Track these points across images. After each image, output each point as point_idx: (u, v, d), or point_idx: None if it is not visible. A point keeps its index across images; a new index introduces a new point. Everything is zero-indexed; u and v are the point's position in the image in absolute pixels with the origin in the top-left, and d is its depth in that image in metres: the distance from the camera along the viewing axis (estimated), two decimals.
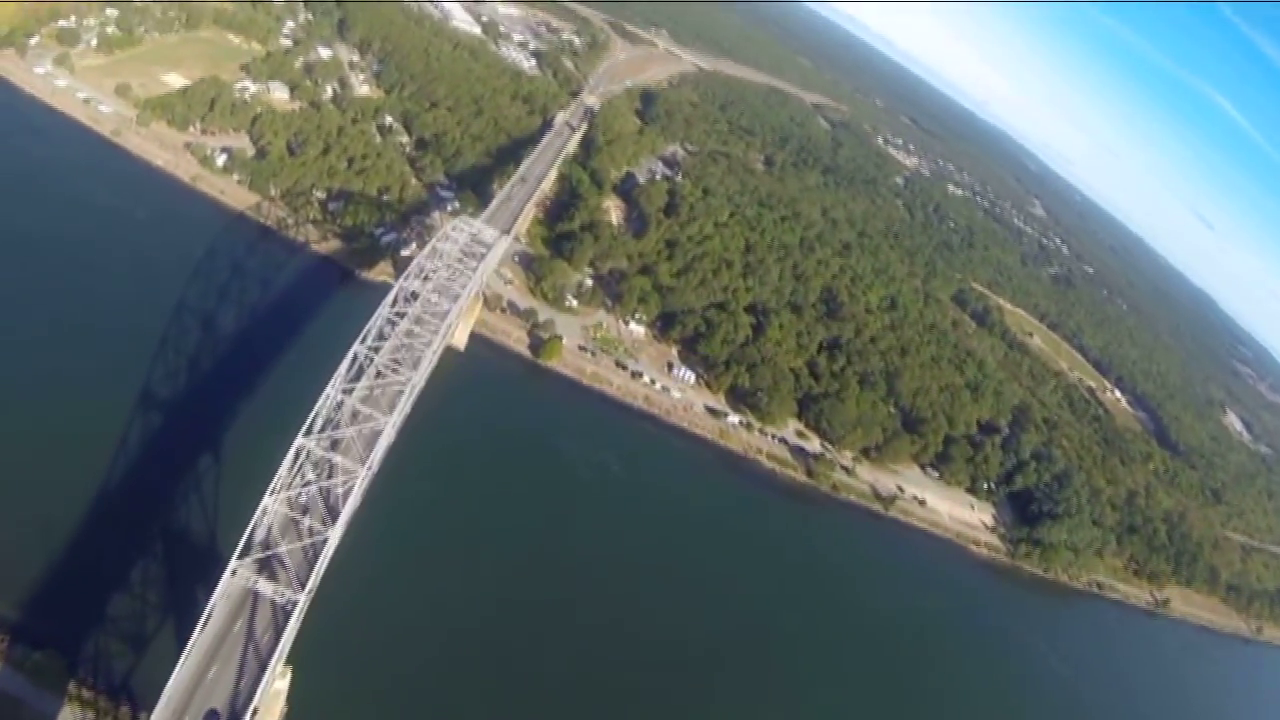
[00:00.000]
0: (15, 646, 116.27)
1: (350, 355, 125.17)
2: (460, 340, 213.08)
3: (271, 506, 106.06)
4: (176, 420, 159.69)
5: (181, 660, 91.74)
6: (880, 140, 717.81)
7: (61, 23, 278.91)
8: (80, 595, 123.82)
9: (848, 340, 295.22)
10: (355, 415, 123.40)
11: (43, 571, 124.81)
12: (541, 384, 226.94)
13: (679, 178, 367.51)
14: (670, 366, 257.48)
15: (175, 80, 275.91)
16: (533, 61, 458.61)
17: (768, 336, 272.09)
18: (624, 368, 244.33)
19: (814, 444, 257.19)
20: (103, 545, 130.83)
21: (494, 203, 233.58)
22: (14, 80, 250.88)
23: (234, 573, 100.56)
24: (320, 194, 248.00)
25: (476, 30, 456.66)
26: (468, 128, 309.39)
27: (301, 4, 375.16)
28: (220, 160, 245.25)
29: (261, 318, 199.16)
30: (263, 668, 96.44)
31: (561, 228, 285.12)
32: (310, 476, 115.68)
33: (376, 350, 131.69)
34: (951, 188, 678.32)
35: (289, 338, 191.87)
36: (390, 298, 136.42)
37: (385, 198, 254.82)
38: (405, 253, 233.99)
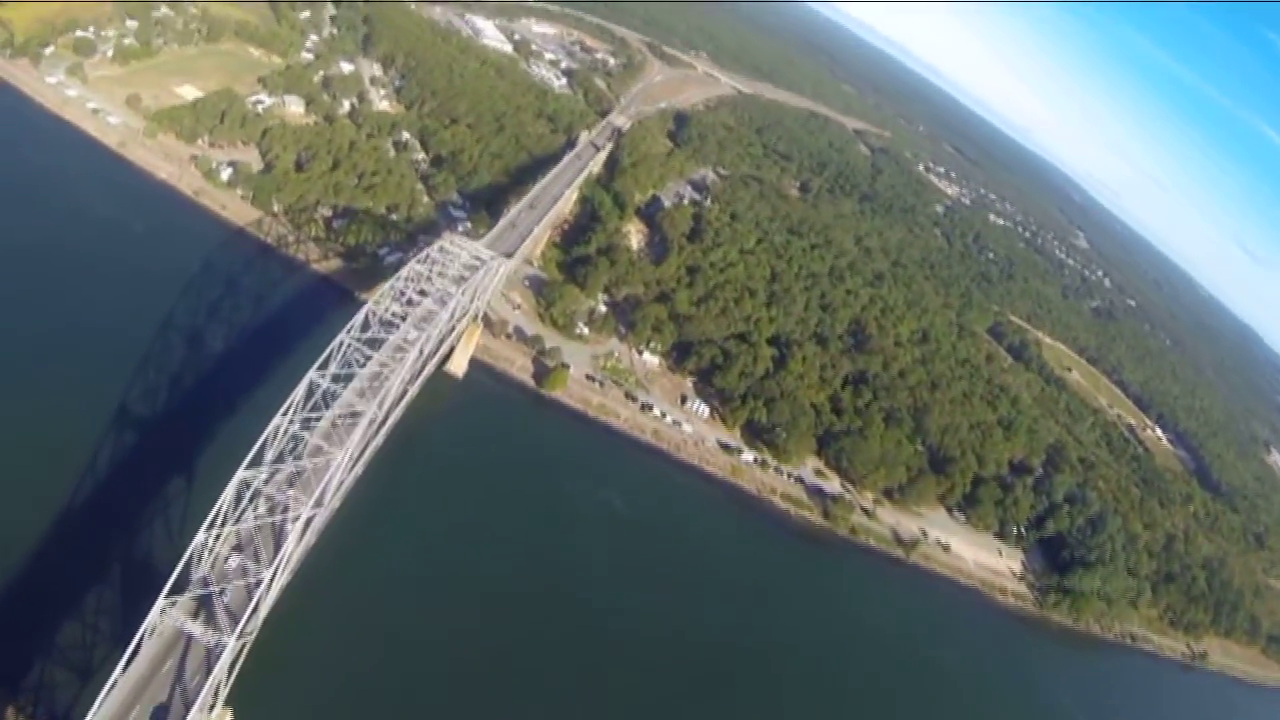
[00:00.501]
0: None
1: (305, 383, 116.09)
2: (459, 367, 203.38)
3: (211, 543, 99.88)
4: (150, 441, 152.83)
5: (99, 702, 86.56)
6: (921, 167, 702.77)
7: (79, 33, 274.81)
8: (29, 620, 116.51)
9: (875, 374, 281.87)
10: (316, 449, 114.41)
11: None
12: (544, 415, 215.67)
13: (707, 202, 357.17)
14: (684, 399, 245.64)
15: (189, 92, 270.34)
16: (563, 81, 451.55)
17: (789, 370, 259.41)
18: (633, 399, 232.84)
19: (834, 483, 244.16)
20: (59, 568, 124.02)
21: (500, 223, 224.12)
22: (25, 89, 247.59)
23: (163, 611, 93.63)
24: (326, 211, 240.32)
25: (507, 48, 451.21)
26: (487, 145, 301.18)
27: (328, 19, 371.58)
28: (225, 174, 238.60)
29: (251, 338, 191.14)
30: (186, 710, 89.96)
31: (577, 251, 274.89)
32: (261, 510, 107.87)
33: (343, 378, 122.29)
34: (993, 217, 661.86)
35: (278, 360, 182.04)
36: (353, 323, 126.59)
37: (393, 216, 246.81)
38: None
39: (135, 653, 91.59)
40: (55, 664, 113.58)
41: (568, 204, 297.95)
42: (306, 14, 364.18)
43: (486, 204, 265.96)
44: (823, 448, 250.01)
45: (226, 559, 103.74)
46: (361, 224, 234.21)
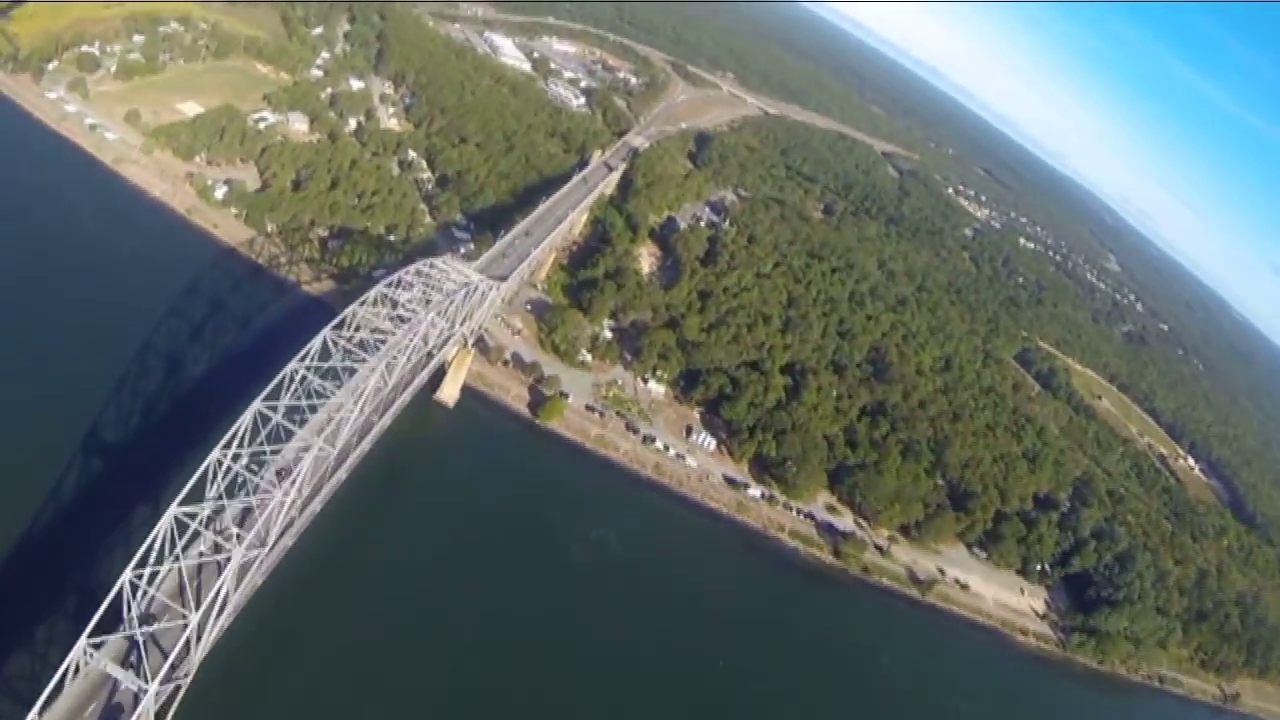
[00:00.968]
0: None
1: (251, 414, 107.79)
2: (450, 396, 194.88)
3: (139, 582, 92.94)
4: (118, 468, 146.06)
5: None
6: (950, 190, 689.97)
7: (85, 48, 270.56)
8: None
9: (894, 404, 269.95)
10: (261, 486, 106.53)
11: None
12: (538, 447, 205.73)
13: (725, 224, 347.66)
14: (689, 431, 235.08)
15: (191, 108, 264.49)
16: (581, 100, 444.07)
17: (803, 400, 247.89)
18: (634, 431, 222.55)
19: (846, 520, 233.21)
20: (11, 597, 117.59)
21: (495, 247, 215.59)
22: (24, 105, 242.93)
23: (86, 651, 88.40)
24: (321, 231, 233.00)
25: (525, 66, 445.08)
26: (495, 165, 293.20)
27: (341, 36, 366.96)
28: (219, 192, 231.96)
29: (233, 362, 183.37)
30: None
31: (584, 274, 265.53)
32: (203, 549, 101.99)
33: (296, 410, 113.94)
34: (1023, 240, 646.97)
35: (260, 385, 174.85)
36: (308, 349, 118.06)
37: (391, 237, 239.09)
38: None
39: (54, 695, 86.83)
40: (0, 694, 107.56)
41: (576, 226, 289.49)
42: (319, 30, 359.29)
43: (491, 225, 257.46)
44: (835, 482, 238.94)
45: (154, 600, 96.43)
46: (356, 244, 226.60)
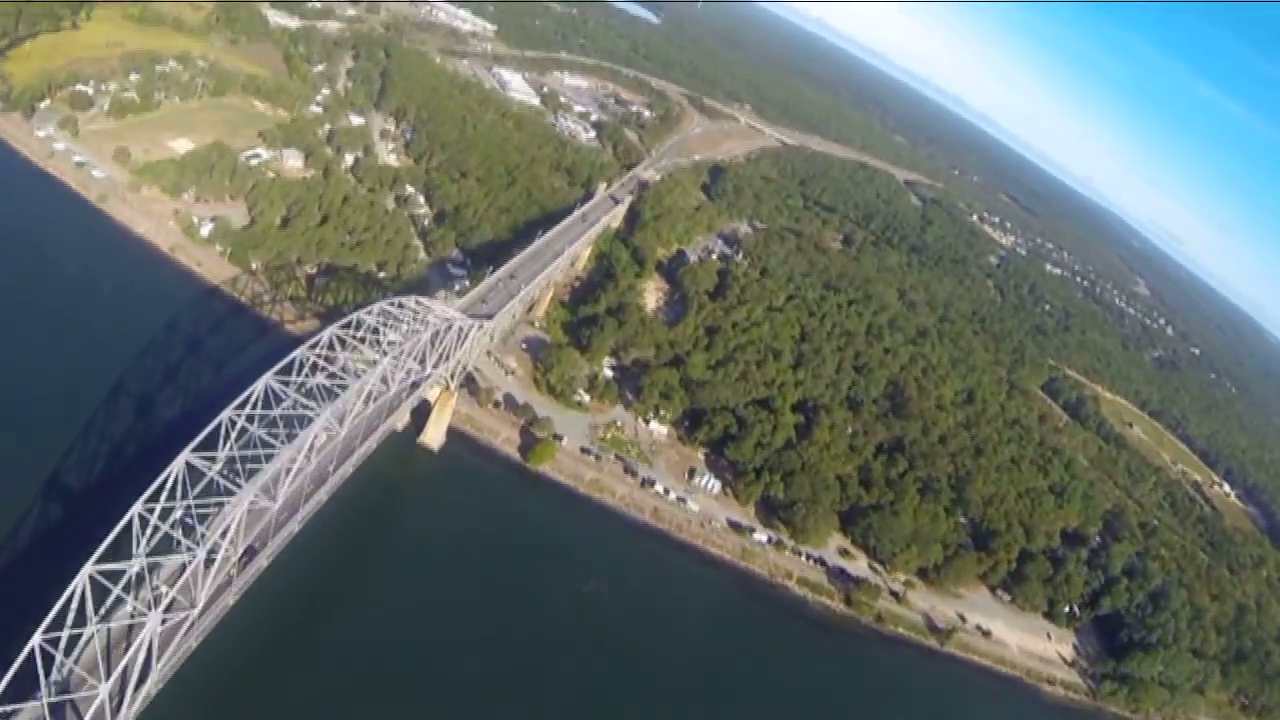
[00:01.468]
0: None
1: (181, 462, 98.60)
2: (434, 440, 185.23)
3: (59, 650, 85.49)
4: (79, 516, 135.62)
5: None
6: (975, 218, 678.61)
7: (79, 86, 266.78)
8: None
9: (912, 441, 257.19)
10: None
11: None
12: (528, 493, 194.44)
13: (738, 256, 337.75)
14: (692, 473, 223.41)
15: (182, 146, 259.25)
16: (592, 134, 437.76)
17: (814, 439, 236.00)
18: (632, 474, 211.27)
19: (860, 564, 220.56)
20: None
21: (483, 284, 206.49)
22: (12, 143, 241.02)
23: None
24: (309, 268, 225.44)
25: (534, 101, 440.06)
26: (495, 199, 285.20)
27: (344, 73, 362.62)
28: (204, 229, 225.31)
29: (208, 404, 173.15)
30: None
31: (585, 310, 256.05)
32: (128, 609, 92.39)
33: (234, 461, 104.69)
34: (1049, 267, 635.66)
35: None
36: (250, 394, 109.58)
37: (381, 274, 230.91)
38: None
39: None
40: None
41: (580, 261, 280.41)
42: (321, 68, 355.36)
43: (489, 261, 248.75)
44: (849, 524, 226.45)
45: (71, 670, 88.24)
46: (343, 282, 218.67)
